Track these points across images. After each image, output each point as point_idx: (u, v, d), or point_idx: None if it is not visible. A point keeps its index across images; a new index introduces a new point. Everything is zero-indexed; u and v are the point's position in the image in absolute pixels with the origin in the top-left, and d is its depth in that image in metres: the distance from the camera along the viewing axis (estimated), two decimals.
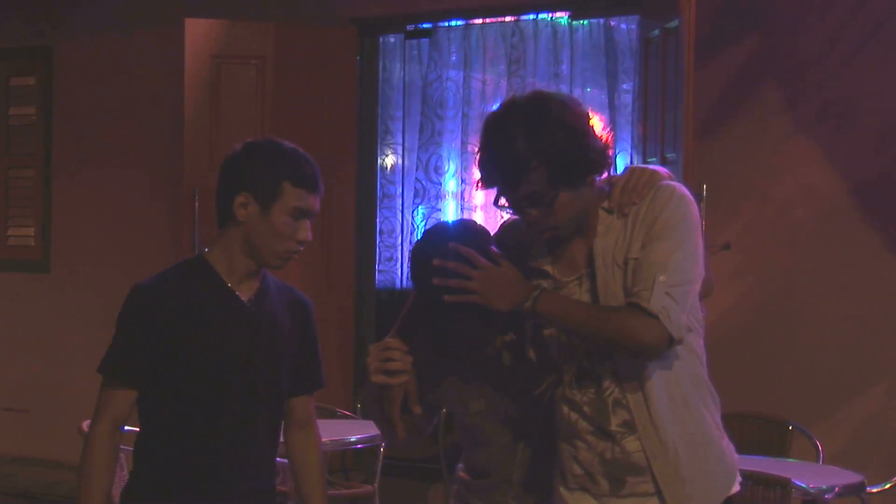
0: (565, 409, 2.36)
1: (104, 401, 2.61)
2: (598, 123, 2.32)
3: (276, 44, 6.01)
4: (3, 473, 6.83)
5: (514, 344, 2.48)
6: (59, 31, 7.01)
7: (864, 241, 5.08)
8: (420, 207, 6.85)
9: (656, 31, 5.05)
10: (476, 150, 2.34)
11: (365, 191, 6.35)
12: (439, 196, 6.82)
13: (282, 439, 2.83)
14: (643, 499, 2.32)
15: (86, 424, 2.86)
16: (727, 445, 2.41)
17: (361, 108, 6.28)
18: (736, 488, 2.39)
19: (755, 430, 4.51)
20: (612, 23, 6.42)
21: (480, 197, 6.73)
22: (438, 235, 2.44)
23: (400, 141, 6.88)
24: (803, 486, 3.69)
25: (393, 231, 6.87)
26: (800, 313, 5.18)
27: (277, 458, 2.82)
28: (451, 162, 6.79)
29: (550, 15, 6.43)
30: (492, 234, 2.48)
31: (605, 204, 2.34)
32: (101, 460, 2.57)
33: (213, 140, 5.85)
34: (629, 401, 2.30)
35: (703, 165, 4.86)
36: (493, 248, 2.36)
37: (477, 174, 2.34)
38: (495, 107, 2.36)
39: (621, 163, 6.05)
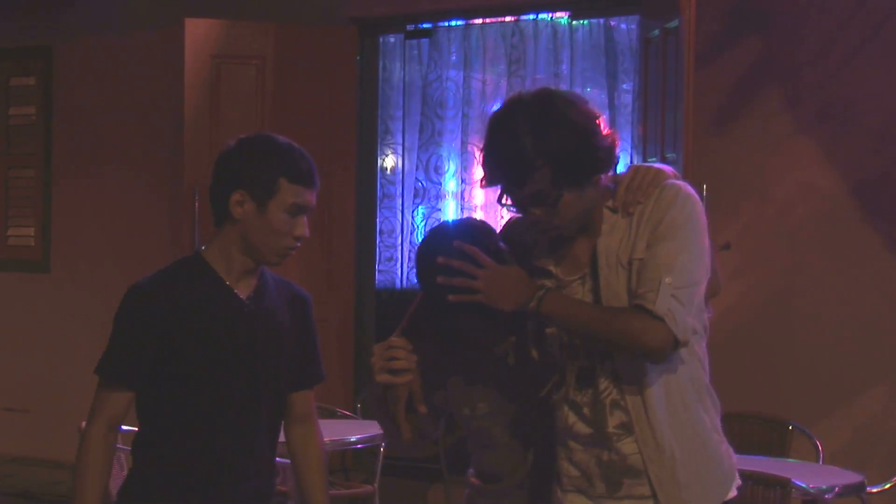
0: (564, 409, 2.33)
1: (100, 401, 2.59)
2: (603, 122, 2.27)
3: (276, 44, 6.01)
4: (4, 473, 6.83)
5: (519, 344, 2.44)
6: (59, 31, 7.01)
7: (865, 240, 5.08)
8: (420, 207, 6.85)
9: (656, 32, 5.05)
10: (480, 146, 2.30)
11: (365, 191, 6.35)
12: (439, 196, 6.82)
13: (282, 439, 2.81)
14: (639, 501, 2.30)
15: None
16: (726, 450, 2.37)
17: (361, 108, 6.28)
18: (733, 493, 2.36)
19: (755, 430, 4.51)
20: (612, 23, 6.42)
21: (480, 197, 6.73)
22: (443, 233, 2.41)
23: (400, 141, 6.88)
24: (803, 486, 3.69)
25: (393, 231, 6.87)
26: (800, 313, 5.18)
27: (278, 459, 2.82)
28: (451, 162, 6.79)
29: (550, 15, 6.44)
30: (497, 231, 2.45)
31: (610, 203, 2.30)
32: (96, 460, 2.56)
33: (214, 140, 5.85)
34: (627, 402, 2.27)
35: (704, 165, 4.86)
36: (501, 244, 2.34)
37: (480, 172, 2.32)
38: (501, 103, 2.30)
39: (621, 163, 6.04)
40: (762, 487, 3.60)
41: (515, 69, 6.58)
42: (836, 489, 3.88)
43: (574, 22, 6.39)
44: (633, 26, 6.19)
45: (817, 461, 4.41)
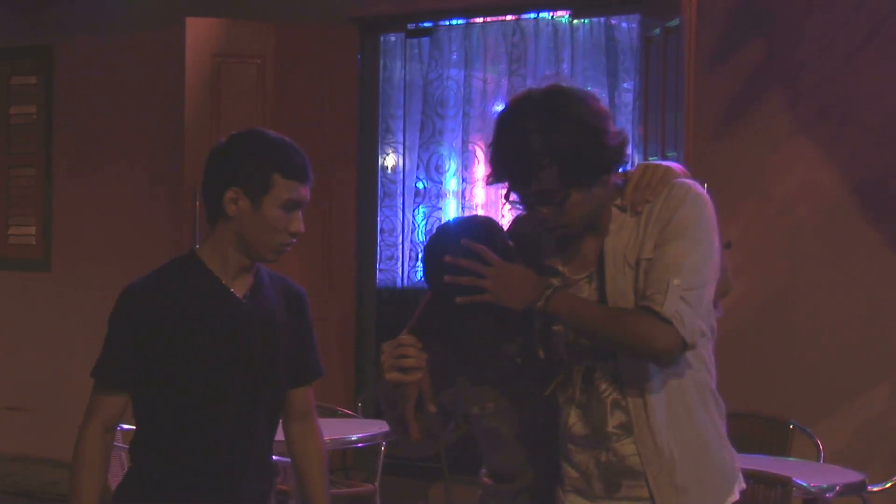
0: (567, 409, 2.31)
1: (95, 403, 2.57)
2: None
3: (277, 43, 6.01)
4: (4, 472, 6.83)
5: (527, 343, 2.41)
6: (59, 30, 7.01)
7: (865, 239, 5.08)
8: (421, 206, 6.85)
9: (657, 30, 5.05)
10: (487, 143, 2.26)
11: (366, 189, 6.34)
12: (440, 195, 6.83)
13: (281, 437, 2.79)
14: (637, 503, 2.27)
15: None
16: (728, 455, 2.34)
17: (362, 107, 6.28)
18: (735, 497, 2.33)
19: (756, 429, 4.50)
20: (613, 21, 6.43)
21: (481, 195, 6.74)
22: (450, 231, 2.38)
23: (401, 140, 6.88)
24: (804, 484, 3.69)
25: (394, 230, 6.87)
26: (801, 312, 5.18)
27: (280, 458, 2.81)
28: (451, 161, 6.80)
29: (551, 14, 6.44)
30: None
31: (619, 201, 2.26)
32: (93, 462, 2.54)
33: (214, 139, 5.73)
34: (628, 403, 2.24)
35: (704, 164, 4.86)
36: (509, 242, 2.31)
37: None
38: (511, 99, 2.27)
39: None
40: (763, 486, 3.59)
41: (516, 68, 6.58)
42: (837, 488, 3.87)
43: (575, 21, 6.39)
44: (634, 25, 6.19)
45: (818, 460, 4.41)
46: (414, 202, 6.86)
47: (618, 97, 6.41)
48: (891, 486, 4.43)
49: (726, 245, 5.12)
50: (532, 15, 6.48)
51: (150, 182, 6.68)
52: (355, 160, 6.19)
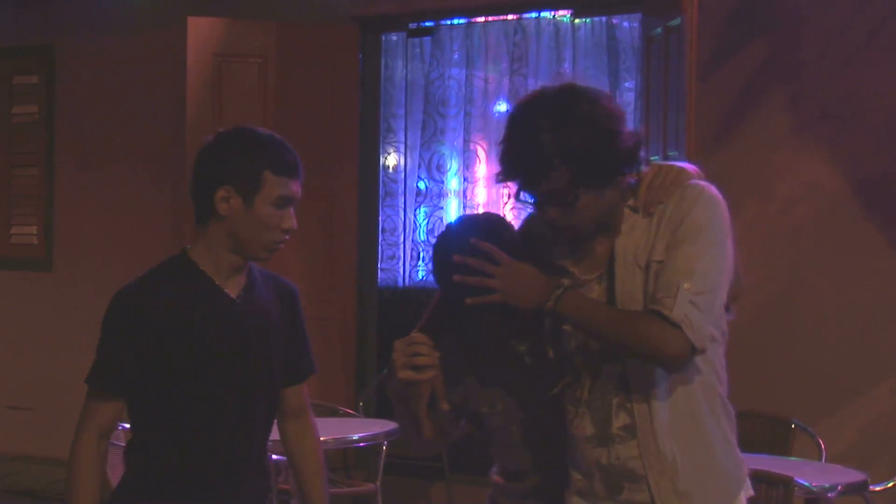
0: (574, 409, 2.28)
1: (90, 410, 2.55)
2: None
3: (279, 42, 6.01)
4: (8, 472, 6.84)
5: (536, 342, 2.39)
6: (61, 29, 7.01)
7: (868, 238, 5.08)
8: (422, 206, 6.85)
9: (659, 30, 5.04)
10: (498, 140, 2.22)
11: (367, 189, 6.34)
12: (441, 194, 6.83)
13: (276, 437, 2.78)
14: None
15: None
16: (735, 462, 2.31)
17: (363, 107, 6.28)
18: None
19: (758, 429, 4.50)
20: (615, 21, 6.43)
21: (483, 195, 6.74)
22: (459, 230, 2.35)
23: (402, 139, 6.88)
24: (806, 484, 3.69)
25: (395, 229, 6.87)
26: (802, 311, 5.18)
27: (281, 457, 2.80)
28: (453, 160, 6.80)
29: (553, 13, 6.44)
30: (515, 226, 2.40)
31: (631, 202, 2.23)
32: (88, 470, 2.52)
33: None
34: (633, 405, 2.21)
35: (706, 164, 4.81)
36: (518, 240, 2.29)
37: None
38: (523, 97, 2.22)
39: None
40: (765, 486, 3.59)
41: (518, 67, 6.58)
42: (839, 487, 3.87)
43: (576, 20, 6.39)
44: (636, 24, 6.19)
45: (820, 459, 4.41)
46: (415, 202, 6.86)
47: (619, 97, 6.40)
48: (893, 485, 4.42)
49: None
50: (533, 14, 6.48)
51: (151, 181, 6.68)
52: (357, 160, 6.19)
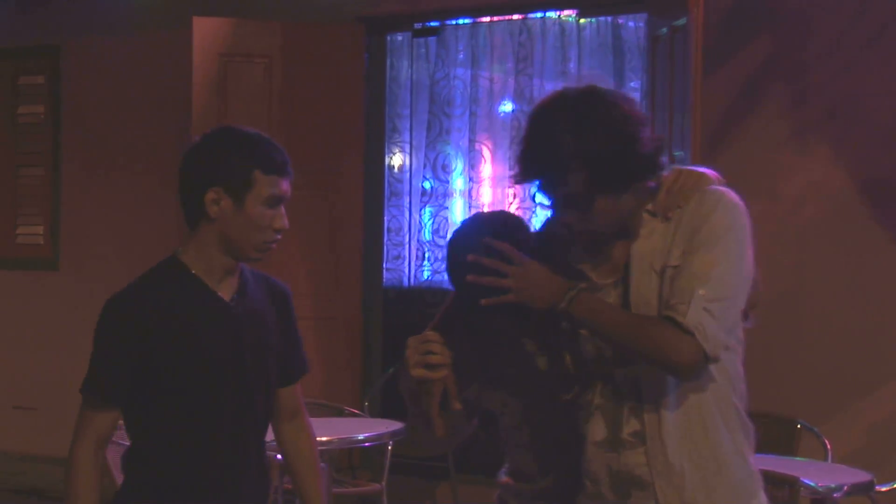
0: (586, 413, 2.26)
1: (86, 421, 2.52)
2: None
3: (284, 42, 6.01)
4: (13, 471, 6.85)
5: (549, 344, 2.36)
6: (67, 29, 7.02)
7: (874, 238, 5.07)
8: (427, 206, 6.85)
9: (664, 30, 5.04)
10: (519, 140, 2.18)
11: (372, 189, 6.35)
12: (447, 194, 6.82)
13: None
14: None
15: None
16: (746, 475, 2.25)
17: (369, 107, 6.28)
18: None
19: (763, 429, 4.45)
20: (620, 21, 6.42)
21: (488, 195, 6.73)
22: (473, 228, 2.32)
23: (407, 139, 6.88)
24: (812, 484, 3.69)
25: (400, 229, 6.86)
26: (808, 311, 5.17)
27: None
28: (458, 160, 6.79)
29: (558, 13, 6.43)
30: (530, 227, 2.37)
31: (650, 206, 2.19)
32: (87, 482, 2.48)
33: None
34: (644, 411, 2.18)
35: (711, 164, 4.82)
36: (533, 239, 2.26)
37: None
38: (545, 98, 2.18)
39: None
40: (770, 486, 3.55)
41: (523, 67, 6.57)
42: (845, 488, 3.86)
43: (582, 20, 6.39)
44: (641, 24, 6.18)
45: (826, 459, 4.40)
46: (421, 202, 6.85)
47: None
48: None
49: None
50: (539, 14, 6.48)
51: (157, 181, 6.68)
52: (362, 159, 6.19)
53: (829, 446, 4.44)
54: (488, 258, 2.15)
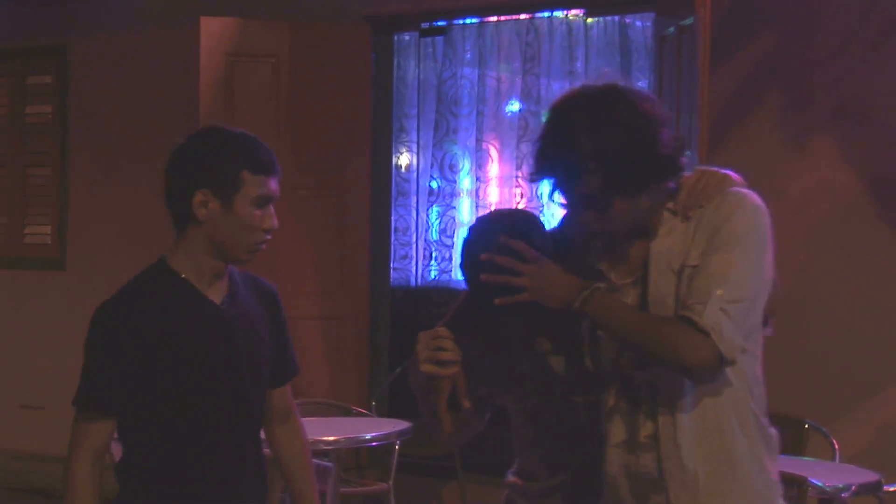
0: (602, 413, 2.24)
1: (82, 433, 2.47)
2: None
3: (291, 42, 6.02)
4: (20, 470, 6.86)
5: (564, 344, 2.33)
6: (74, 29, 7.03)
7: (881, 237, 5.06)
8: (434, 205, 6.85)
9: (671, 29, 5.04)
10: (537, 137, 2.15)
11: (380, 188, 6.35)
12: (454, 194, 6.82)
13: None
14: None
15: None
16: (763, 481, 2.22)
17: (376, 106, 6.28)
18: None
19: None
20: (627, 20, 6.42)
21: (495, 195, 6.73)
22: (488, 226, 2.28)
23: (414, 139, 6.88)
24: (820, 484, 3.68)
25: (408, 229, 6.87)
26: (816, 310, 5.16)
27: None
28: (465, 160, 6.79)
29: (565, 12, 6.43)
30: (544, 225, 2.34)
31: (671, 205, 2.16)
32: (85, 495, 2.44)
33: None
34: (659, 414, 2.15)
35: (718, 163, 4.82)
36: (548, 237, 2.23)
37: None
38: (563, 95, 2.15)
39: None
40: None
41: (530, 67, 6.57)
42: (853, 487, 3.86)
43: (589, 19, 6.39)
44: (648, 24, 6.18)
45: (833, 459, 4.39)
46: (428, 201, 6.86)
47: None
48: None
49: None
50: (546, 13, 6.47)
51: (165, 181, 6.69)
52: (369, 159, 6.19)
53: (836, 446, 4.44)
54: (503, 257, 2.13)
